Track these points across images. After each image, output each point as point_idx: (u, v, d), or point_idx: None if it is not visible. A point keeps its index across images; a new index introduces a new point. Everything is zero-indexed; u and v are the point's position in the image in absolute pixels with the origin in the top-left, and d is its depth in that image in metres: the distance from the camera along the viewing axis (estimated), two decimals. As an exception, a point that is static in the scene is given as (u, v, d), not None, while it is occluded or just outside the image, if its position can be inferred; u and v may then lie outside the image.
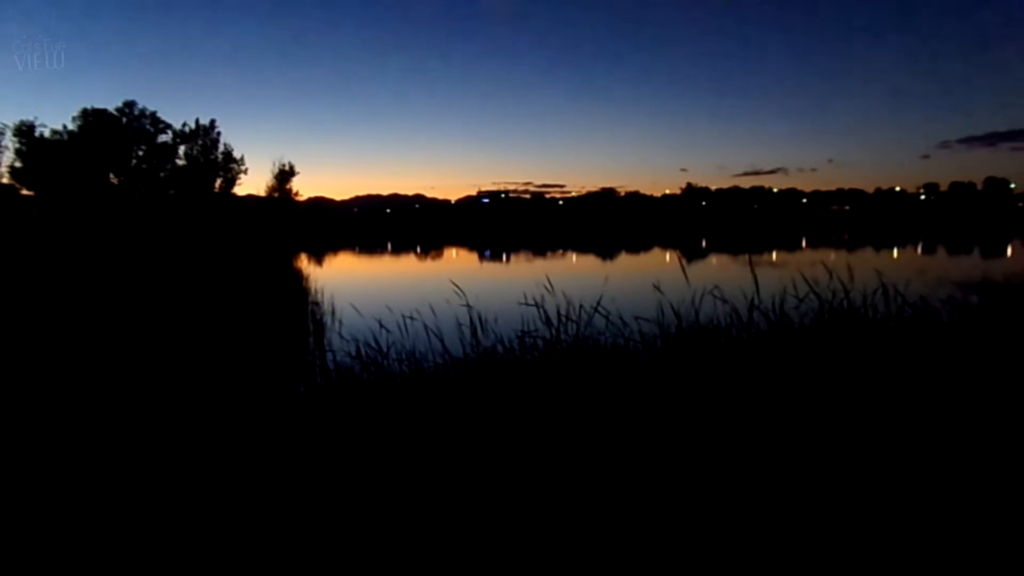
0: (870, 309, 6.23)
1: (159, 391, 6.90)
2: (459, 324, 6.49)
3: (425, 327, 6.46)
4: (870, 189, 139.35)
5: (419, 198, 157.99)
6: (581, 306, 6.21)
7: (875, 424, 4.03)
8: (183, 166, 71.96)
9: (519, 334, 6.19)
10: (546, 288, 6.42)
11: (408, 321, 6.78)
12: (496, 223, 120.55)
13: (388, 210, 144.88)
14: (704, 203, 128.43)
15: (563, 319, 6.11)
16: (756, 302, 5.90)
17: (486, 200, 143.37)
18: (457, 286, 6.65)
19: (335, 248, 66.44)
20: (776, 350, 5.40)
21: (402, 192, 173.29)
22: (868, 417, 4.10)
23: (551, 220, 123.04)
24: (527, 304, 6.39)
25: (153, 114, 70.52)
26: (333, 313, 16.09)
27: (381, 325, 6.73)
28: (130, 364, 8.38)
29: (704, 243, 64.91)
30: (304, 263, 36.76)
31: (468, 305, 6.53)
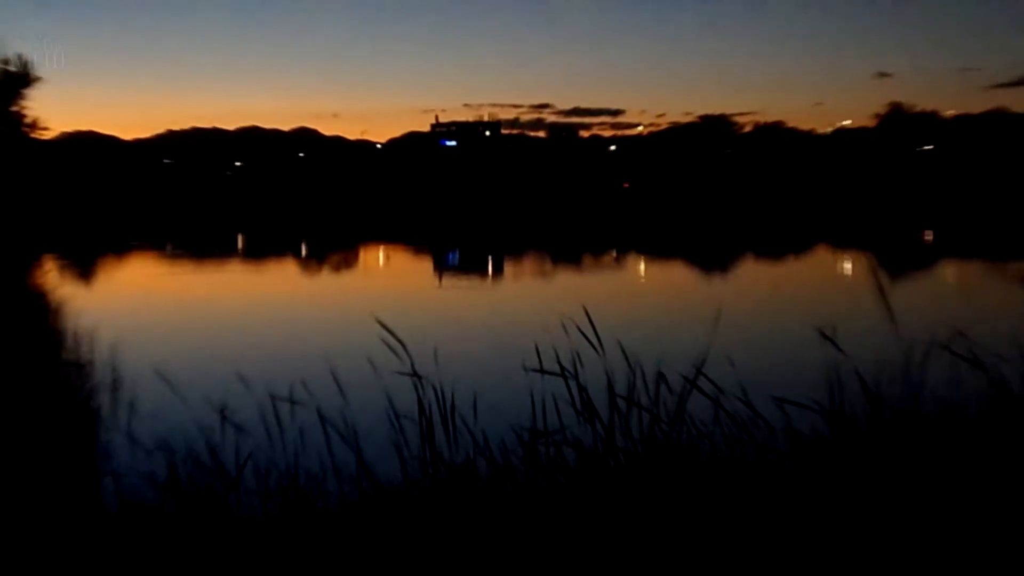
0: None
1: None
2: (394, 415, 3.12)
3: (322, 420, 3.11)
4: None
5: (306, 135, 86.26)
6: (660, 375, 2.99)
7: None
8: None
9: (524, 433, 3.03)
10: (580, 335, 3.17)
11: (287, 410, 3.31)
12: (475, 187, 67.63)
13: (238, 164, 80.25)
14: (922, 145, 65.88)
15: (622, 402, 2.90)
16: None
17: (451, 142, 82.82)
18: (392, 333, 3.25)
19: (125, 242, 37.50)
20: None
21: (266, 125, 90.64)
22: None
23: (602, 178, 65.98)
24: (540, 371, 3.13)
25: None
26: (117, 388, 8.73)
27: (224, 417, 3.25)
28: None
29: (930, 236, 38.07)
30: (55, 275, 23.75)
31: (414, 373, 3.16)
